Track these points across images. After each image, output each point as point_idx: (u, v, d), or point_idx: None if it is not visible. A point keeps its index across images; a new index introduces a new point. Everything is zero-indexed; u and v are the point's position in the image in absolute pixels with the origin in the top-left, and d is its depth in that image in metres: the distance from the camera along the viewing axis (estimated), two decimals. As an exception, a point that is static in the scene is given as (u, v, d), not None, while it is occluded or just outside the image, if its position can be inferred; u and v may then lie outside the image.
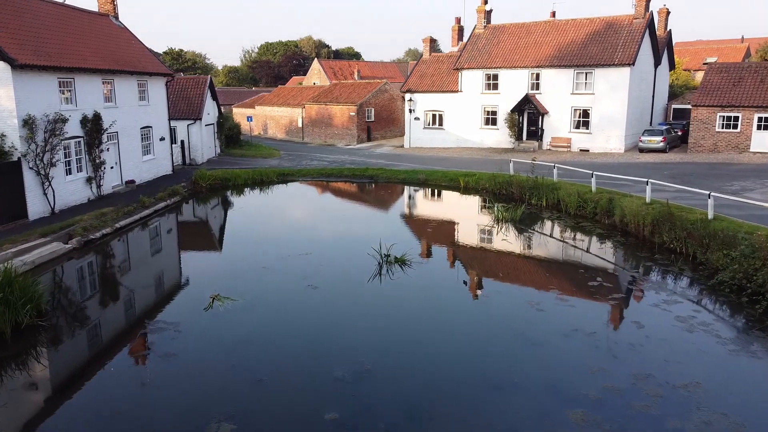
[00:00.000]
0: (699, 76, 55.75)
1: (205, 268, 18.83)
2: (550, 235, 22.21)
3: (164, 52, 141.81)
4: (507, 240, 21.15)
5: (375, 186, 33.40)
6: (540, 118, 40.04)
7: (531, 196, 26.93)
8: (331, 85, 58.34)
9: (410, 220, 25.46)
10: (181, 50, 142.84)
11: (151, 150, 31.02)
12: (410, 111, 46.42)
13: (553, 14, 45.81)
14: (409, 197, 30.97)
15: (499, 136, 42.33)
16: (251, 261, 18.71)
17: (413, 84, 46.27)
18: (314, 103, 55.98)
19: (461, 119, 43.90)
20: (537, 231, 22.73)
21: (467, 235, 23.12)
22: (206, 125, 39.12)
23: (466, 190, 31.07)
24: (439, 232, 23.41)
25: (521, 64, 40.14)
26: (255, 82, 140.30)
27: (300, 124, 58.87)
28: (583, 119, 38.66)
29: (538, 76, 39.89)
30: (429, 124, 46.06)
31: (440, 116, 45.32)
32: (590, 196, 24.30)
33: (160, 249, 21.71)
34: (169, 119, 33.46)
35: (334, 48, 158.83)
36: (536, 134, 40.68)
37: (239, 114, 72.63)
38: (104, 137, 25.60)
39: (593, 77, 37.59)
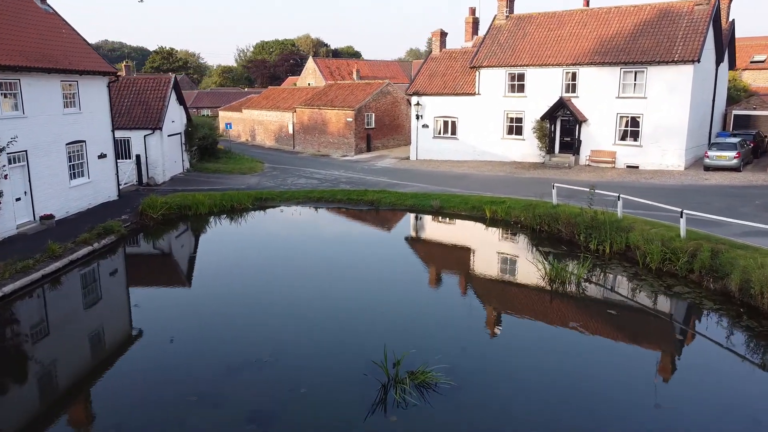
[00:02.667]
0: (746, 76, 48.58)
1: (101, 391, 11.60)
2: (645, 310, 15.03)
3: (154, 51, 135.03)
4: (580, 327, 13.92)
5: (377, 213, 26.29)
6: (577, 126, 32.89)
7: (588, 238, 19.78)
8: (325, 87, 51.24)
9: (425, 277, 18.30)
10: (173, 49, 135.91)
11: (85, 171, 23.89)
12: (417, 117, 39.29)
13: (587, 1, 38.66)
14: (419, 232, 23.83)
15: (526, 148, 35.17)
16: (179, 382, 11.44)
17: (421, 85, 39.13)
18: (306, 107, 48.87)
19: (479, 127, 36.76)
20: (617, 304, 15.54)
21: (515, 320, 15.90)
22: (170, 135, 32.00)
23: (493, 223, 23.98)
24: (472, 311, 16.17)
25: (553, 61, 33.00)
26: (250, 83, 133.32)
27: (290, 131, 51.78)
28: (631, 129, 31.51)
29: (574, 76, 32.75)
30: (440, 133, 38.92)
31: (453, 123, 38.19)
32: (680, 244, 17.15)
33: (46, 334, 14.52)
34: (114, 130, 26.35)
35: (333, 47, 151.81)
36: (572, 146, 33.52)
37: (225, 118, 65.61)
38: (1, 158, 18.51)
39: (645, 77, 30.44)
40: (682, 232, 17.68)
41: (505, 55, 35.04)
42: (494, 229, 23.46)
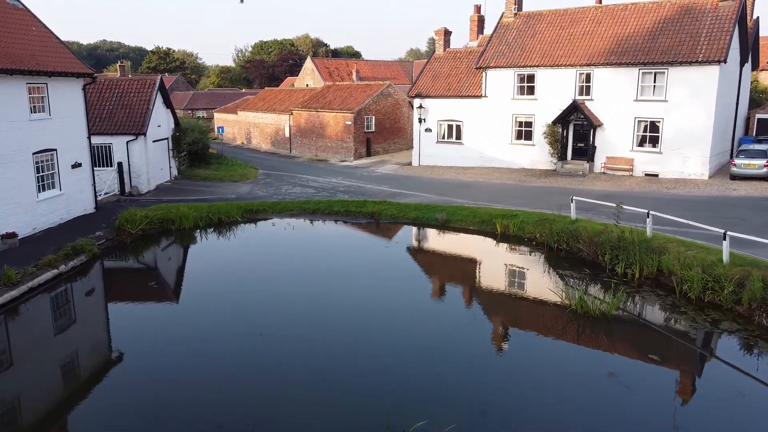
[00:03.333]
0: (763, 77, 46.38)
1: None
2: (693, 352, 12.87)
3: (151, 51, 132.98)
4: (618, 378, 11.74)
5: (377, 227, 24.16)
6: (591, 131, 30.73)
7: (615, 259, 17.62)
8: (323, 88, 49.08)
9: (432, 311, 16.11)
10: (169, 49, 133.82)
11: (56, 183, 21.72)
12: (420, 120, 37.13)
13: (600, -1, 36.44)
14: (423, 251, 21.68)
15: (536, 155, 33.00)
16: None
17: (424, 87, 36.97)
18: (303, 110, 46.71)
19: (486, 132, 34.60)
20: (659, 344, 13.36)
21: (537, 368, 13.72)
22: (155, 141, 29.84)
23: (505, 239, 21.85)
24: (489, 358, 14.02)
25: (566, 62, 30.84)
26: (248, 83, 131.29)
27: (287, 134, 49.63)
28: (650, 134, 29.34)
29: (588, 78, 30.58)
30: (444, 137, 36.76)
31: (458, 127, 36.03)
32: (723, 270, 14.99)
33: None
34: (92, 136, 24.21)
35: (332, 47, 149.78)
36: (585, 153, 31.34)
37: (220, 120, 63.57)
38: (-47, 173, 16.36)
39: (666, 78, 28.27)
40: (725, 257, 15.52)
41: (514, 55, 32.88)
42: (506, 246, 21.31)
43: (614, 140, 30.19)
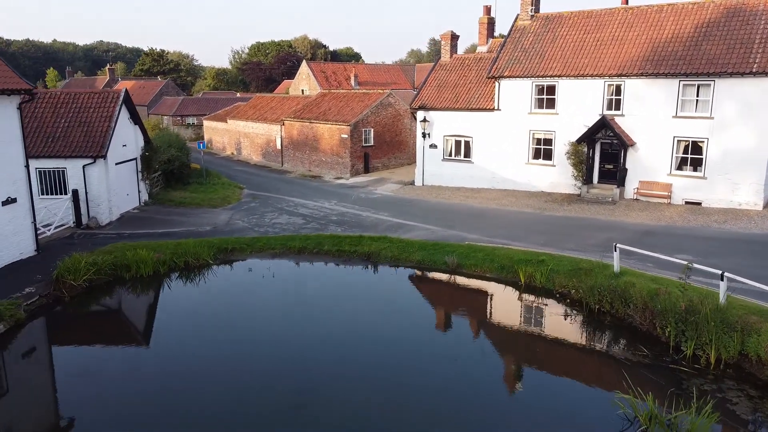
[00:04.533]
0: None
1: None
2: None
3: (144, 53, 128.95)
4: None
5: (374, 271, 20.20)
6: (622, 152, 26.71)
7: (679, 335, 13.63)
8: (318, 96, 45.08)
9: (441, 407, 12.04)
10: (164, 51, 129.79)
11: (-20, 225, 17.73)
12: (424, 135, 33.13)
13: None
14: (429, 309, 17.65)
15: (557, 176, 28.99)
16: None
17: (428, 98, 32.95)
18: (296, 120, 42.73)
19: (498, 149, 30.59)
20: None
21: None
22: (119, 163, 25.86)
23: (530, 290, 17.94)
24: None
25: (592, 71, 26.83)
26: (245, 86, 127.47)
27: (278, 146, 45.66)
28: (692, 156, 25.34)
29: (618, 90, 26.58)
30: (451, 155, 32.76)
31: (467, 144, 32.03)
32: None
33: None
34: (29, 163, 20.19)
35: (331, 48, 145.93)
36: (615, 176, 27.33)
37: (209, 129, 59.67)
38: None
39: (711, 92, 24.27)
40: (843, 346, 11.51)
41: (532, 63, 28.86)
42: (533, 301, 17.34)
43: (649, 162, 26.18)
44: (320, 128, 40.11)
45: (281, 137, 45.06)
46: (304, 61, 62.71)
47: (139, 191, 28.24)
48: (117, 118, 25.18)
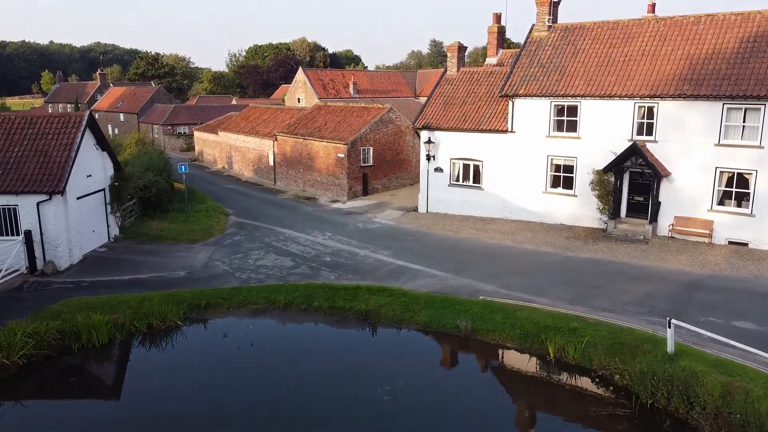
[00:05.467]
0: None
1: None
2: None
3: (138, 57, 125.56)
4: None
5: (373, 335, 17.07)
6: (654, 183, 23.49)
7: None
8: (313, 109, 41.88)
9: None
10: (158, 54, 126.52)
11: None
12: (428, 158, 29.93)
13: (653, 7, 29.27)
14: (439, 393, 14.44)
15: (578, 208, 25.79)
16: None
17: (433, 116, 29.75)
18: (289, 136, 39.55)
19: (512, 176, 27.39)
20: None
21: None
22: (82, 197, 22.69)
23: (561, 367, 14.79)
24: None
25: (620, 91, 23.63)
26: (242, 90, 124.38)
27: (271, 162, 42.48)
28: (737, 189, 22.12)
29: (651, 112, 23.39)
30: (458, 180, 29.56)
31: (476, 169, 28.83)
32: None
33: None
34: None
35: (330, 51, 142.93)
36: (646, 209, 24.12)
37: (200, 140, 56.59)
38: None
39: (762, 117, 21.06)
40: None
41: (550, 81, 25.66)
42: (566, 386, 14.16)
43: (686, 196, 22.97)
44: (315, 146, 36.92)
45: (274, 153, 41.89)
46: (300, 68, 59.52)
47: (108, 226, 25.05)
48: (79, 146, 21.98)
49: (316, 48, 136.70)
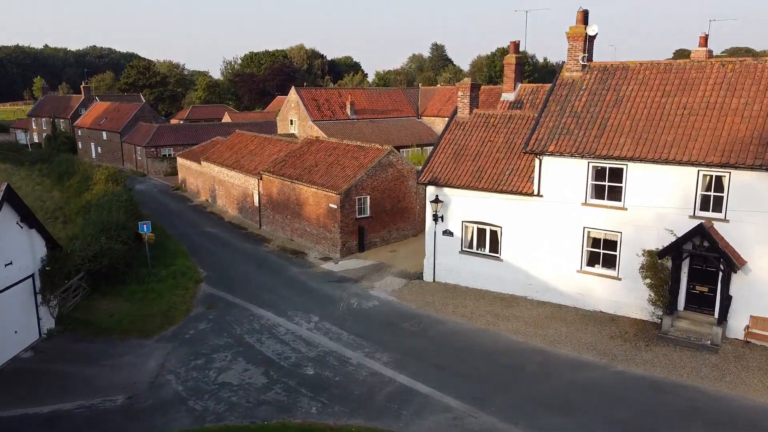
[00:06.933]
0: None
1: None
2: None
3: (129, 65, 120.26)
4: None
5: None
6: (724, 272, 18.53)
7: None
8: (303, 144, 36.95)
9: None
10: (150, 62, 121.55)
11: None
12: (436, 218, 25.03)
13: (705, 39, 24.37)
14: None
15: (623, 294, 20.86)
16: None
17: (442, 170, 24.85)
18: (275, 176, 34.71)
19: (538, 247, 22.48)
20: None
21: None
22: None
23: None
24: None
25: (678, 154, 18.72)
26: (237, 99, 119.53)
27: (256, 202, 37.64)
28: (837, 288, 17.19)
29: (720, 184, 18.47)
30: (471, 247, 24.67)
31: (494, 234, 23.93)
32: None
33: None
34: None
35: (329, 58, 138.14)
36: (711, 302, 19.18)
37: (183, 168, 51.86)
38: None
39: None
40: None
41: (587, 136, 20.73)
42: None
43: (766, 291, 18.04)
44: (304, 191, 32.04)
45: (259, 193, 37.02)
46: (293, 88, 54.59)
47: (38, 319, 20.17)
48: (-10, 231, 17.12)
49: (314, 55, 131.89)
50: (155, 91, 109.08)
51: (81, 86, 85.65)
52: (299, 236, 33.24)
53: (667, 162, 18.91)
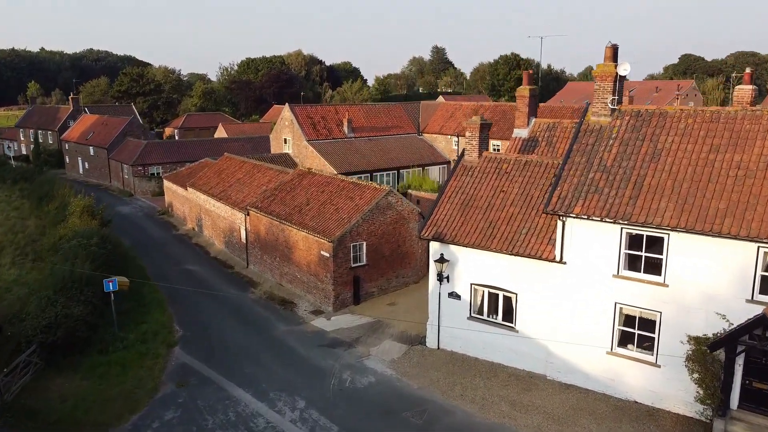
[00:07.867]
0: None
1: None
2: None
3: (122, 72, 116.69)
4: None
5: None
6: (790, 369, 15.41)
7: None
8: (294, 176, 33.78)
9: None
10: (143, 70, 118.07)
11: None
12: (440, 278, 21.88)
13: (750, 77, 21.18)
14: None
15: (662, 383, 17.70)
16: None
17: (447, 223, 21.69)
18: (263, 214, 31.59)
19: (560, 319, 19.33)
20: None
21: None
22: None
23: None
24: None
25: (735, 229, 15.56)
26: (234, 106, 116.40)
27: (243, 239, 34.54)
28: None
29: (785, 263, 15.33)
30: (482, 313, 21.53)
31: (507, 301, 20.78)
32: None
33: None
34: None
35: (328, 63, 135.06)
36: (772, 403, 16.05)
37: (170, 191, 48.85)
38: None
39: None
40: None
41: (619, 196, 17.58)
42: None
43: (844, 396, 14.91)
44: (294, 234, 28.93)
45: (246, 230, 33.92)
46: (286, 105, 51.41)
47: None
48: None
49: (313, 61, 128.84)
50: (149, 99, 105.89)
51: (69, 97, 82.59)
52: (289, 282, 30.12)
53: (716, 234, 15.76)
